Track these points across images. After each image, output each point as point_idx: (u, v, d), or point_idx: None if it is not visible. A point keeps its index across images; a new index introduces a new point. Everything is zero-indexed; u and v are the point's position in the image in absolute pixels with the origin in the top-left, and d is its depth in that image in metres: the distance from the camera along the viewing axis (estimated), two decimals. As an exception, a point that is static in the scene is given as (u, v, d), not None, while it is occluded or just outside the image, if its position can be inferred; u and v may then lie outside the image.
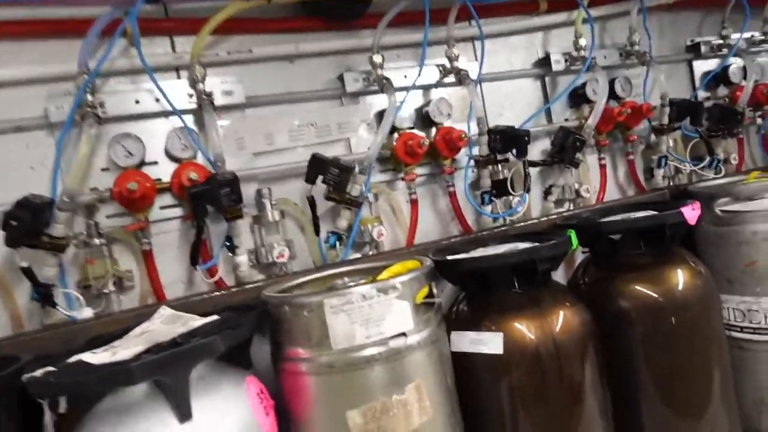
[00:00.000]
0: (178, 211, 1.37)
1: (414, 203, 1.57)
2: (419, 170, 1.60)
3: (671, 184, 1.93)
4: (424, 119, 1.61)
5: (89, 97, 1.22)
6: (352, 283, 1.11)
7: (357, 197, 1.38)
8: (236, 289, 1.24)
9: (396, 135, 1.55)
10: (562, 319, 1.20)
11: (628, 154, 1.91)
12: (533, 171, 1.77)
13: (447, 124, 1.60)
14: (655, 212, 1.46)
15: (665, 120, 1.83)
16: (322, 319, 0.96)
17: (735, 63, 2.10)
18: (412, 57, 1.65)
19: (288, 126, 1.48)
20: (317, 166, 1.36)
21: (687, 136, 1.95)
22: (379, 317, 0.97)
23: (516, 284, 1.22)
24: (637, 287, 1.36)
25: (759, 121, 2.14)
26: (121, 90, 1.33)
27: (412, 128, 1.58)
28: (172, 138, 1.32)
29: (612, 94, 1.82)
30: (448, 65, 1.61)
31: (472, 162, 1.60)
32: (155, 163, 1.34)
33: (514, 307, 1.21)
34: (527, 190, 1.56)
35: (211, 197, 1.20)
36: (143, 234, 1.29)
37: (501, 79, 1.77)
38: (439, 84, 1.65)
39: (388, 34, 1.54)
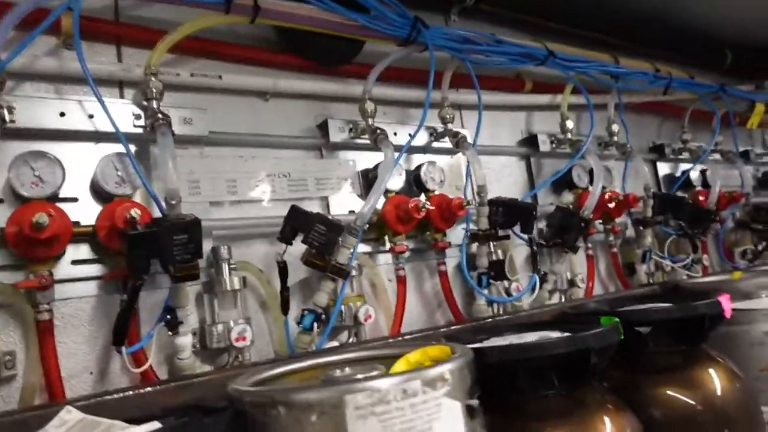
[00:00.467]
0: (96, 270, 0.98)
1: (401, 281, 1.28)
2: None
3: (650, 281, 1.80)
4: (413, 185, 1.38)
5: (-7, 95, 0.87)
6: (376, 373, 0.76)
7: (344, 265, 1.08)
8: (177, 383, 0.85)
9: (382, 198, 1.30)
10: (613, 429, 0.94)
11: (611, 246, 1.77)
12: (520, 257, 1.57)
13: (438, 192, 1.38)
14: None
15: (648, 213, 1.74)
16: (342, 428, 0.62)
17: (693, 168, 2.13)
18: (398, 116, 1.45)
19: (256, 174, 1.18)
20: (298, 221, 1.05)
21: (664, 233, 1.87)
22: (424, 425, 0.65)
23: (556, 383, 0.94)
24: (671, 392, 1.14)
25: (717, 226, 2.13)
26: (40, 96, 0.97)
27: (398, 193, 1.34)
28: (105, 167, 0.97)
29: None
30: (440, 128, 1.42)
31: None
32: (74, 199, 0.97)
33: (555, 415, 0.93)
34: (538, 271, 1.34)
35: (157, 245, 0.85)
36: (42, 296, 0.88)
37: (488, 153, 1.61)
38: (428, 148, 1.44)
39: (375, 86, 1.34)
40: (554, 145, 1.70)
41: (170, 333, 0.95)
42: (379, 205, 1.29)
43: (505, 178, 1.65)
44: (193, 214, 0.90)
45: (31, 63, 0.97)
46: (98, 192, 0.99)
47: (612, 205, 1.65)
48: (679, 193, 2.10)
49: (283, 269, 1.09)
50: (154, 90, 0.99)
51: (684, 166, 2.17)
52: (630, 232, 1.84)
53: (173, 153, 0.93)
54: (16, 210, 0.87)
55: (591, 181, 1.70)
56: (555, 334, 1.05)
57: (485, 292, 1.35)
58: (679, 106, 2.16)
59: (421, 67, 1.49)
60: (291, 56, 1.27)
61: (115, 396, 0.78)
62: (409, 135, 1.32)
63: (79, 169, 0.98)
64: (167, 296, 0.97)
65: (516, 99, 1.69)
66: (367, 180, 1.32)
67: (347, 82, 1.35)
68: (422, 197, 1.35)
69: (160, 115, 0.97)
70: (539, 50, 1.53)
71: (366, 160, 1.34)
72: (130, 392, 0.80)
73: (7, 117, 0.87)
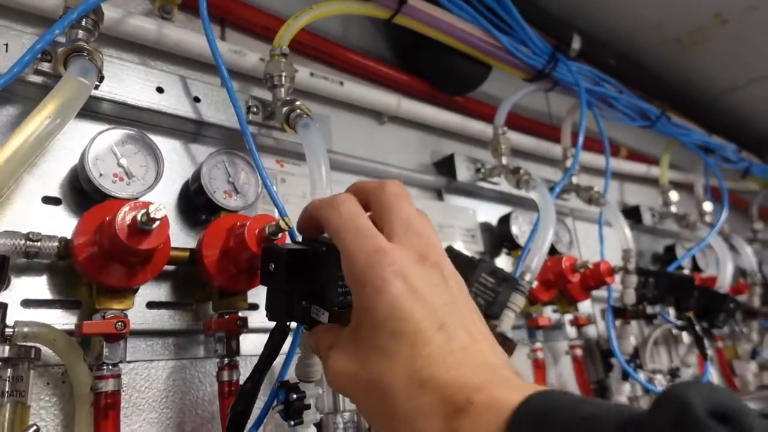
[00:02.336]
0: (175, 319, 0.65)
1: (539, 367, 0.98)
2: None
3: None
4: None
5: (81, 34, 0.58)
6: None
7: (510, 338, 0.78)
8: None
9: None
10: None
11: (717, 339, 1.53)
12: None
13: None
14: None
15: (755, 302, 1.53)
16: None
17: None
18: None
19: (375, 209, 0.90)
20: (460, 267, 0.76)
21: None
22: None
23: None
24: None
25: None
26: (132, 62, 0.69)
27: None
28: (213, 169, 0.67)
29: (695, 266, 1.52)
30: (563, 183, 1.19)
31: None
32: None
33: None
34: (711, 360, 1.06)
35: (314, 277, 0.54)
36: (110, 352, 0.54)
37: (584, 220, 1.39)
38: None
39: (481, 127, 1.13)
40: (655, 219, 1.50)
41: (291, 423, 0.61)
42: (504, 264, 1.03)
43: (614, 251, 1.41)
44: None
45: (123, 21, 0.69)
46: (193, 204, 0.68)
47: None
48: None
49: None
50: (284, 74, 0.73)
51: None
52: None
53: (325, 154, 0.65)
54: (93, 209, 0.55)
55: (694, 265, 1.50)
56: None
57: (627, 387, 1.06)
58: (739, 198, 2.05)
59: (525, 114, 1.31)
60: (414, 77, 1.04)
61: None
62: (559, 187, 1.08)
63: (167, 170, 0.67)
64: (282, 364, 0.64)
65: (615, 165, 1.51)
66: (494, 235, 1.06)
67: (465, 116, 1.12)
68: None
69: (298, 102, 0.70)
70: (653, 110, 1.37)
71: (485, 211, 1.09)
72: None
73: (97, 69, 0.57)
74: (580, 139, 1.06)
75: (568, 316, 1.09)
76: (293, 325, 0.59)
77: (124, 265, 0.53)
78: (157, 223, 0.49)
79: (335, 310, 0.56)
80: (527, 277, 0.82)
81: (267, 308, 0.53)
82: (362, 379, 0.36)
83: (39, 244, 0.53)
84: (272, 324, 0.54)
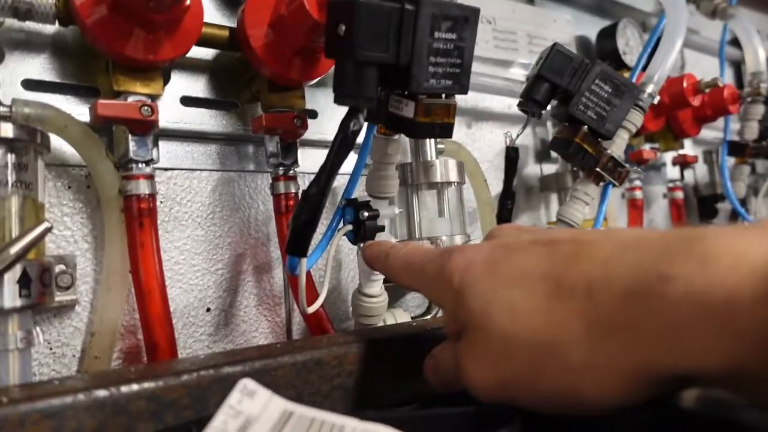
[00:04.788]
0: (217, 121, 0.52)
1: (637, 209, 0.84)
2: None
3: None
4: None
5: None
6: None
7: (623, 164, 0.63)
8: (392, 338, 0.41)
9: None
10: None
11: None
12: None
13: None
14: None
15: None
16: None
17: None
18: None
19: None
20: (562, 72, 0.59)
21: None
22: None
23: None
24: None
25: None
26: None
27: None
28: None
29: None
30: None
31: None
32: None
33: None
34: None
35: (401, 43, 0.39)
36: (138, 148, 0.43)
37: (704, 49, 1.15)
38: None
39: None
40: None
41: (361, 245, 0.51)
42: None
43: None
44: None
45: None
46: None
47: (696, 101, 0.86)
48: None
49: (512, 162, 0.65)
50: None
51: None
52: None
53: None
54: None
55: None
56: None
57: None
58: None
59: None
60: None
61: (286, 360, 0.34)
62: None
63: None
64: (348, 181, 0.51)
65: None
66: (590, 52, 0.87)
67: None
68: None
69: None
70: None
71: (584, 24, 0.89)
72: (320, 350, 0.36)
73: None
74: None
75: (669, 155, 0.93)
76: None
77: (144, 27, 0.40)
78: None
79: (423, 99, 0.43)
80: (649, 89, 0.64)
81: (335, 87, 0.39)
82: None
83: (30, -1, 0.39)
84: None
